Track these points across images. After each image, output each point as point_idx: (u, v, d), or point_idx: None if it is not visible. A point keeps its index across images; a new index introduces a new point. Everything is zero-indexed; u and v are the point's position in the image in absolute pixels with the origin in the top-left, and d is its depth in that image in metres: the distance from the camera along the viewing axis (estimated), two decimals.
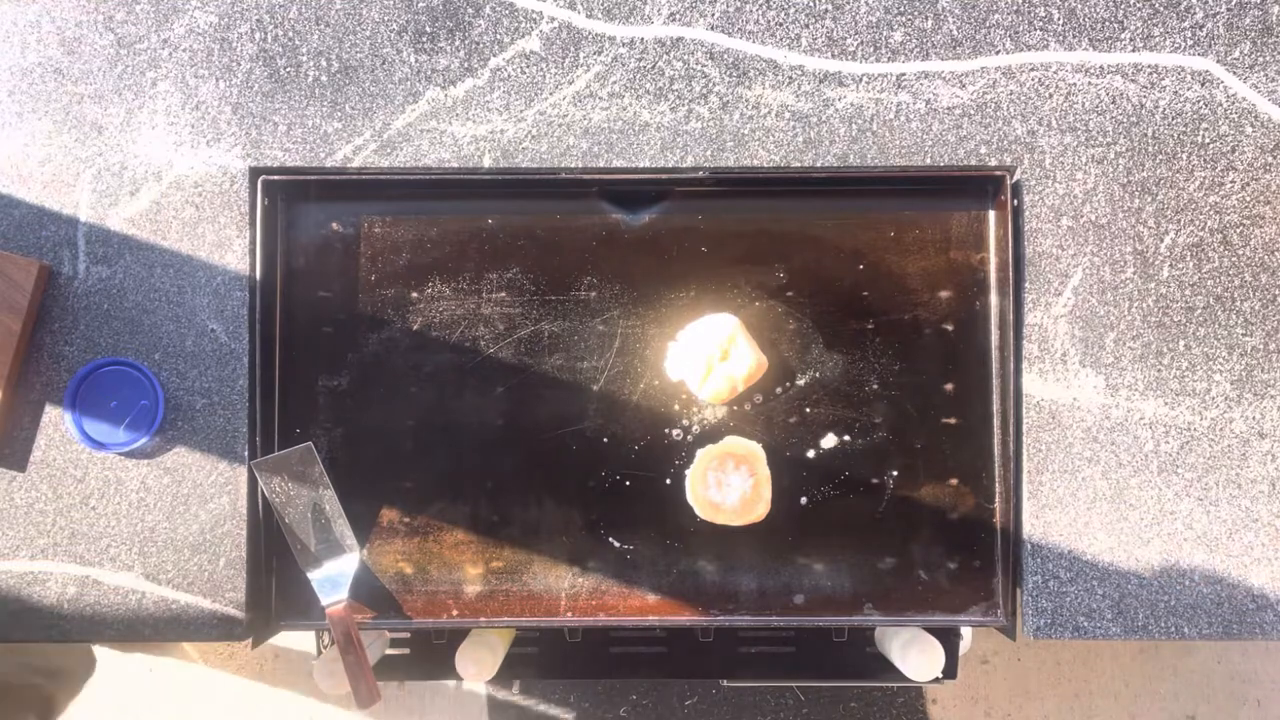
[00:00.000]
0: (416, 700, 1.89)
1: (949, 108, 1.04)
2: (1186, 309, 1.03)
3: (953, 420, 1.06)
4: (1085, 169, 1.03)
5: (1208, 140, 1.03)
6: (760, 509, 1.02)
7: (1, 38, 1.04)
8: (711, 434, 1.06)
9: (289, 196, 1.06)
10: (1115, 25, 1.04)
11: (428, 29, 1.04)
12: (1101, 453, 1.03)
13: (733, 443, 1.03)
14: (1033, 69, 1.04)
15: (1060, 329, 1.03)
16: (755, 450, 1.02)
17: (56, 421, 1.03)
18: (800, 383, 1.06)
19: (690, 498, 1.03)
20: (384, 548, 1.06)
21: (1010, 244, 1.03)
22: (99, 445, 1.02)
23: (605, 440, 1.06)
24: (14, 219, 1.03)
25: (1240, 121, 1.03)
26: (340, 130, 1.04)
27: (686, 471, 1.04)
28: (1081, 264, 1.03)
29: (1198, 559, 1.03)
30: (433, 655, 1.26)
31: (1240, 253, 1.03)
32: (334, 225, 1.06)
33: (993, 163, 1.03)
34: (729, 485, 1.01)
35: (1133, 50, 1.04)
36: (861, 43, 1.04)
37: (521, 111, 1.04)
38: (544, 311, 1.06)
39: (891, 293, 1.06)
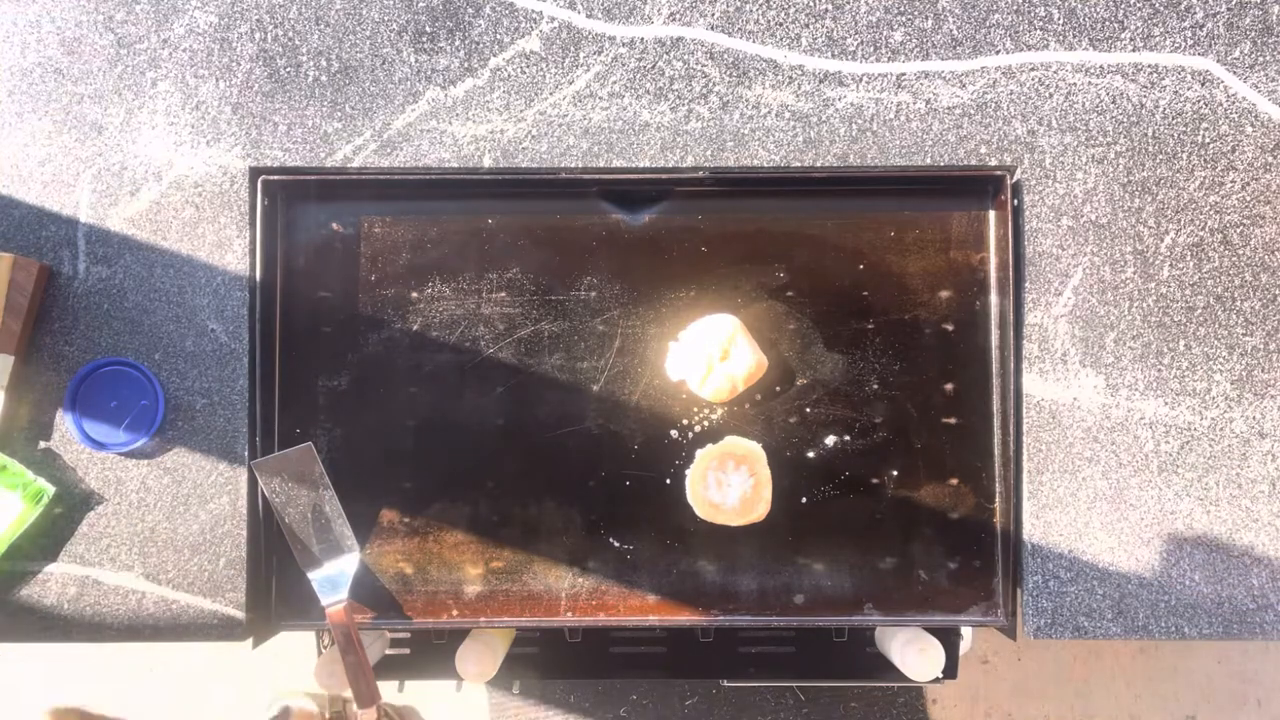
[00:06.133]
0: (416, 700, 1.89)
1: (949, 107, 1.04)
2: (1187, 309, 1.03)
3: (953, 420, 1.06)
4: (1085, 169, 1.03)
5: (1208, 140, 1.03)
6: (760, 509, 1.02)
7: (1, 38, 1.04)
8: (711, 434, 1.06)
9: (289, 196, 1.06)
10: (1115, 25, 1.04)
11: (428, 29, 1.04)
12: (1101, 453, 1.03)
13: (733, 443, 1.03)
14: (1033, 69, 1.04)
15: (1060, 329, 1.03)
16: (755, 450, 1.02)
17: (57, 422, 1.03)
18: (800, 383, 1.06)
19: (690, 498, 1.03)
20: (384, 548, 1.06)
21: (1010, 244, 1.03)
22: (99, 445, 1.02)
23: (605, 440, 1.06)
24: (14, 219, 1.03)
25: (1240, 121, 1.03)
26: (340, 130, 1.04)
27: (686, 471, 1.04)
28: (1081, 264, 1.03)
29: (1198, 559, 1.03)
30: (433, 655, 1.26)
31: (1240, 252, 1.03)
32: (334, 225, 1.06)
33: (993, 163, 1.03)
34: (729, 485, 1.01)
35: (1133, 50, 1.04)
36: (861, 43, 1.04)
37: (521, 111, 1.04)
38: (544, 311, 1.06)
39: (891, 293, 1.06)
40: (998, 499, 1.05)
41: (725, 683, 1.44)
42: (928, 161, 1.03)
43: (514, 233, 1.06)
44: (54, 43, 1.04)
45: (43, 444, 1.03)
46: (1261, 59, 1.03)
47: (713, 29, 1.04)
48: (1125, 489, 1.03)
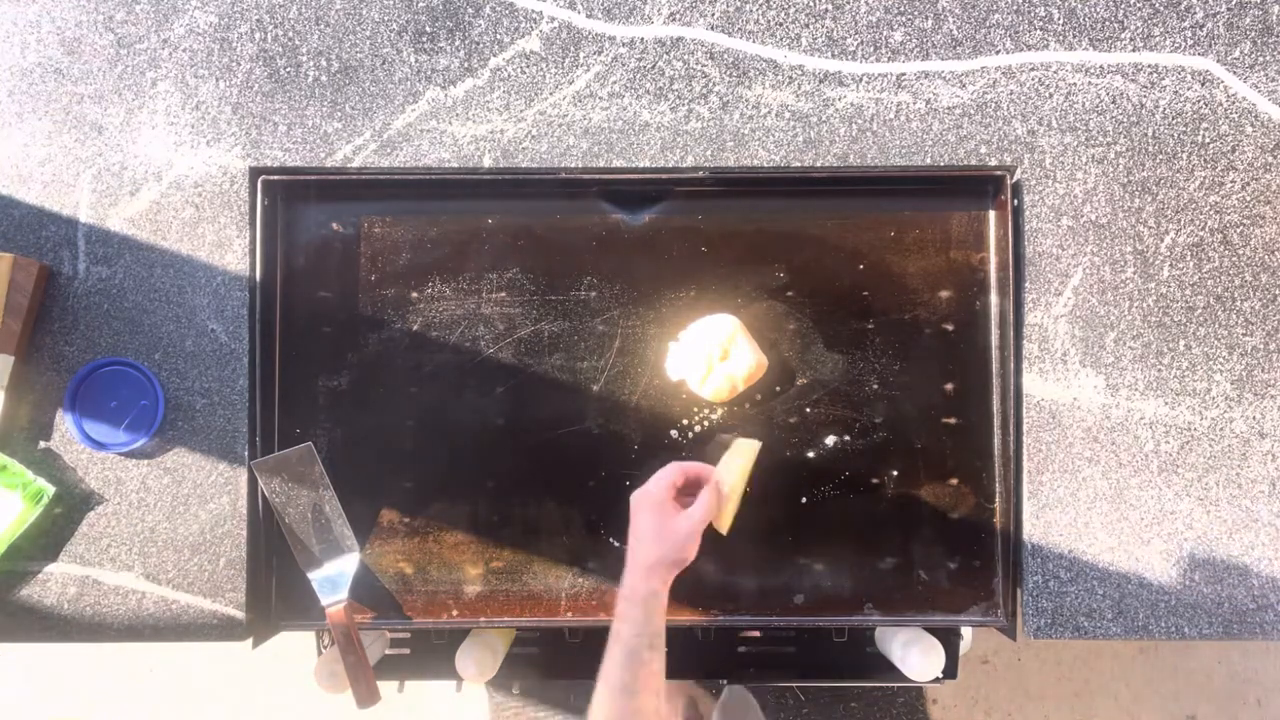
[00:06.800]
0: (416, 700, 1.89)
1: (949, 107, 1.04)
2: (1187, 309, 1.03)
3: (953, 420, 1.06)
4: (1085, 169, 1.03)
5: (1208, 140, 1.03)
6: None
7: (1, 38, 1.04)
8: (711, 433, 1.06)
9: (289, 196, 1.06)
10: (1115, 25, 1.04)
11: (428, 29, 1.04)
12: (1101, 453, 1.03)
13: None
14: (1033, 69, 1.04)
15: (1060, 329, 1.03)
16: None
17: (57, 422, 1.03)
18: (800, 383, 1.06)
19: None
20: (384, 548, 1.06)
21: (1010, 244, 1.03)
22: (99, 445, 1.02)
23: (605, 440, 1.06)
24: (14, 219, 1.03)
25: (1240, 121, 1.03)
26: (340, 130, 1.04)
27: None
28: (1082, 264, 1.03)
29: (1198, 559, 1.03)
30: (433, 655, 1.26)
31: (1240, 252, 1.03)
32: (334, 225, 1.06)
33: (993, 162, 1.03)
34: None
35: (1133, 50, 1.04)
36: (861, 42, 1.04)
37: (521, 111, 1.04)
38: (544, 311, 1.06)
39: (891, 293, 1.05)
40: (998, 499, 1.05)
41: (725, 683, 1.44)
42: (928, 161, 1.03)
43: (514, 233, 1.06)
44: (54, 43, 1.04)
45: (43, 444, 1.03)
46: (1261, 59, 1.03)
47: (713, 29, 1.04)
48: (1125, 489, 1.03)
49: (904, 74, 1.04)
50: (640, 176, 1.04)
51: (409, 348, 1.06)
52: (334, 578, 1.02)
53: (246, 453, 1.03)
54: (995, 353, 1.05)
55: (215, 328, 1.03)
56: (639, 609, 0.87)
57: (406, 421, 1.06)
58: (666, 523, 0.89)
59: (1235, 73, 1.03)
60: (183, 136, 1.04)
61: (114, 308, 1.03)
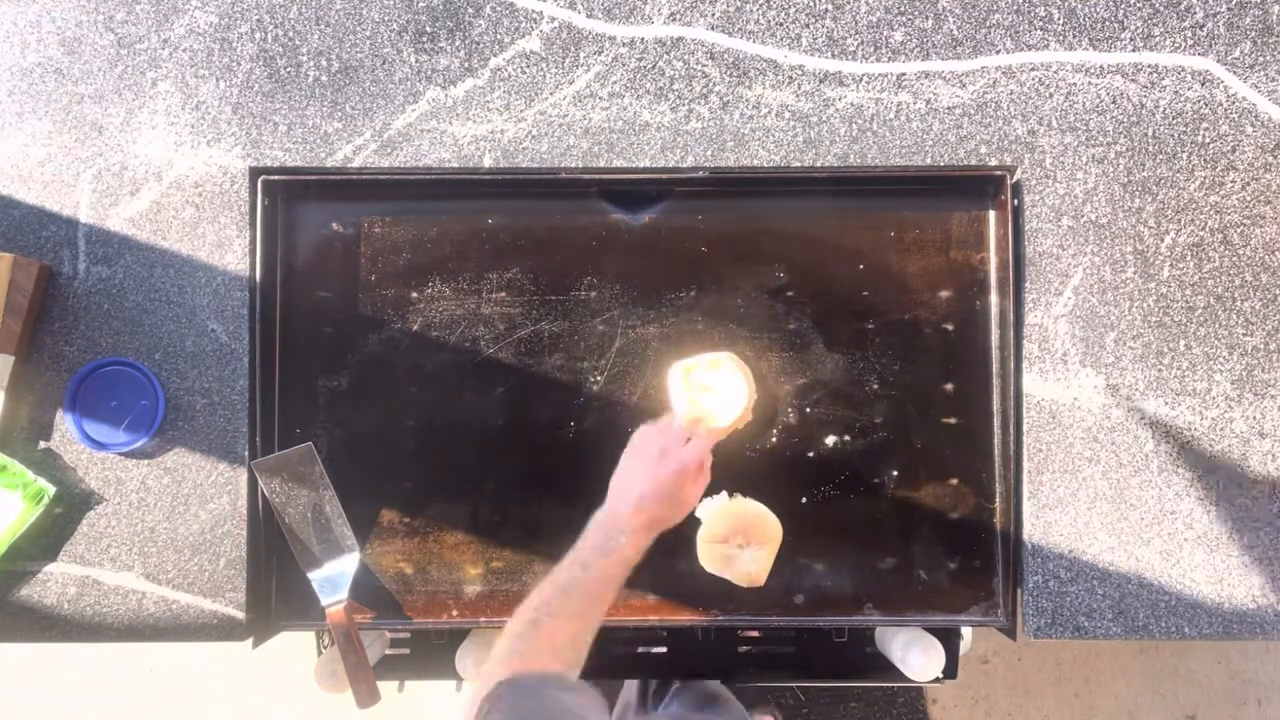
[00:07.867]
0: (417, 700, 1.89)
1: (949, 107, 1.04)
2: (1187, 309, 1.03)
3: (953, 420, 1.06)
4: (1085, 169, 1.03)
5: (1208, 140, 1.03)
6: (761, 579, 1.01)
7: (1, 38, 1.04)
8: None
9: (289, 196, 1.06)
10: (1115, 25, 1.04)
11: (428, 29, 1.04)
12: (1102, 452, 1.03)
13: (746, 514, 1.01)
14: (1033, 69, 1.04)
15: (1060, 329, 1.03)
16: (773, 529, 1.01)
17: (57, 422, 1.03)
18: (800, 383, 1.06)
19: (700, 555, 1.02)
20: (384, 548, 1.06)
21: (1010, 244, 1.03)
22: (99, 445, 1.02)
23: (605, 440, 1.05)
24: (14, 219, 1.03)
25: (1240, 121, 1.03)
26: (340, 130, 1.04)
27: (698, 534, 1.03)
28: (1082, 264, 1.03)
29: (1198, 559, 1.03)
30: (433, 655, 1.25)
31: (1240, 252, 1.03)
32: (334, 225, 1.06)
33: (993, 162, 1.03)
34: (739, 559, 1.00)
35: (1133, 50, 1.04)
36: (861, 43, 1.04)
37: (522, 111, 1.04)
38: (544, 311, 1.06)
39: (891, 293, 1.05)
40: (998, 499, 1.05)
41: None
42: (928, 161, 1.03)
43: (514, 233, 1.06)
44: (54, 43, 1.04)
45: (43, 444, 1.03)
46: (1261, 59, 1.03)
47: (713, 29, 1.04)
48: (1125, 489, 1.03)
49: (904, 74, 1.04)
50: (640, 176, 1.04)
51: (409, 348, 1.06)
52: (334, 578, 1.02)
53: (246, 453, 1.03)
54: (995, 353, 1.05)
55: (215, 328, 1.03)
56: (629, 553, 0.86)
57: (406, 421, 1.06)
58: (687, 490, 0.89)
59: (1235, 73, 1.03)
60: (183, 136, 1.04)
61: (114, 308, 1.03)
